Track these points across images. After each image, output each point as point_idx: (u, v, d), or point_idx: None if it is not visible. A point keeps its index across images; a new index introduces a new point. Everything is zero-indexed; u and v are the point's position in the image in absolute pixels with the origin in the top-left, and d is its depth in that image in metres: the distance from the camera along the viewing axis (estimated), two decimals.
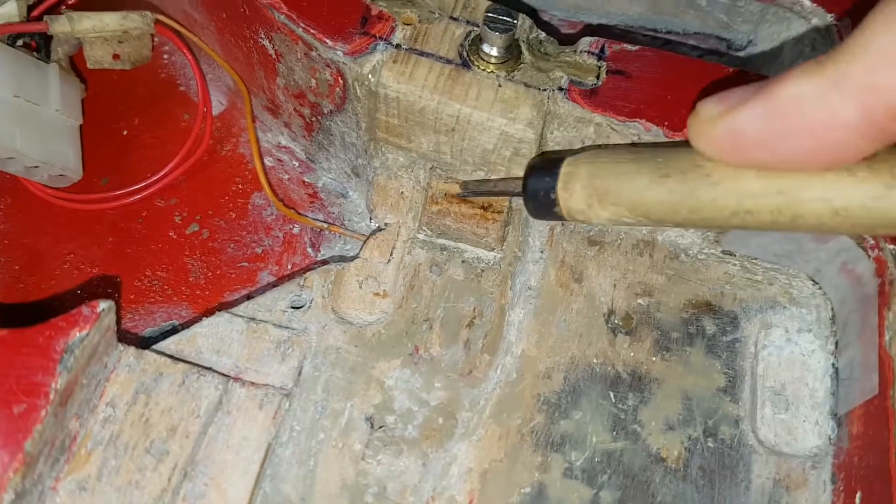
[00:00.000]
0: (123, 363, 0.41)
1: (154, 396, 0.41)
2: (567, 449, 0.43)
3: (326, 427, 0.42)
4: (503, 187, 0.44)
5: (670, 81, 0.45)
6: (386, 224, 0.49)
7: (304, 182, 0.55)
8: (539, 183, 0.37)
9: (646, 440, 0.43)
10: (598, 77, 0.45)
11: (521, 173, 0.40)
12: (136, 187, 0.53)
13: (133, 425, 0.40)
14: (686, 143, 0.30)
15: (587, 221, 0.36)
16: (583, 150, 0.38)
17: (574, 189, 0.35)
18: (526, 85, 0.45)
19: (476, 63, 0.45)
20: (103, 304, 0.38)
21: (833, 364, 0.46)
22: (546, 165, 0.37)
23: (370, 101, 0.46)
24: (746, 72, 0.46)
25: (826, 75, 0.24)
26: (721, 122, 0.27)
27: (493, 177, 0.47)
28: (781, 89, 0.26)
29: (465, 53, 0.45)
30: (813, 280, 0.48)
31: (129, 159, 0.55)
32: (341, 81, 0.45)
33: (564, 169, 0.36)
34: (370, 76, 0.44)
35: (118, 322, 0.43)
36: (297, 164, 0.55)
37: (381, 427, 0.42)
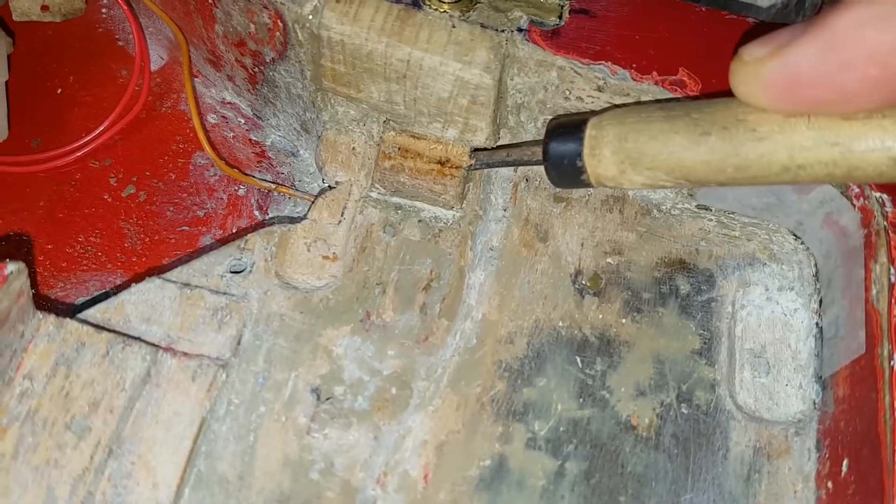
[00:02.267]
0: (42, 332, 0.38)
1: (75, 368, 0.37)
2: (530, 418, 0.40)
3: (268, 400, 0.39)
4: (520, 155, 0.41)
5: (638, 21, 0.42)
6: (337, 182, 0.45)
7: (250, 140, 0.51)
8: (562, 149, 0.34)
9: (614, 407, 0.40)
10: (560, 17, 0.42)
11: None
12: (69, 148, 0.49)
13: (52, 399, 0.37)
14: (718, 96, 0.28)
15: (619, 187, 0.33)
16: (604, 111, 0.35)
17: (603, 154, 0.32)
18: (482, 26, 0.41)
19: (428, 2, 0.41)
20: (11, 266, 0.35)
21: (817, 323, 0.43)
22: (567, 129, 0.34)
23: (313, 46, 0.42)
24: (720, 12, 0.43)
25: (880, 2, 0.23)
26: (772, 61, 0.25)
27: (449, 131, 0.43)
28: (838, 18, 0.23)
29: None
30: (794, 234, 0.44)
31: (63, 118, 0.51)
32: (281, 24, 0.42)
33: (590, 132, 0.33)
34: (311, 17, 0.40)
35: (38, 288, 0.39)
36: (243, 121, 0.52)
37: (328, 399, 0.39)
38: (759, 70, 0.26)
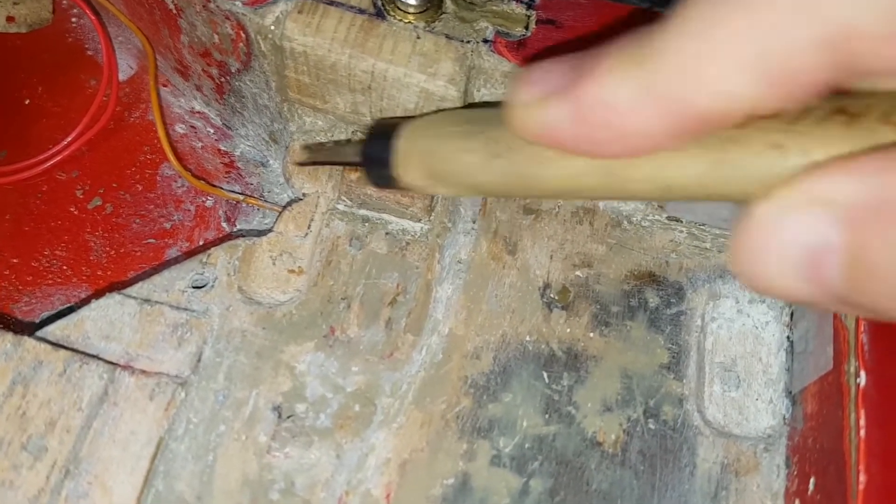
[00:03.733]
0: (0, 351, 0.37)
1: (32, 387, 0.37)
2: (495, 435, 0.39)
3: (228, 418, 0.38)
4: (342, 154, 0.39)
5: (605, 32, 0.41)
6: (304, 194, 0.45)
7: (219, 150, 0.51)
8: (375, 154, 0.33)
9: (581, 423, 0.40)
10: (526, 27, 0.41)
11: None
12: (35, 160, 0.48)
13: (9, 419, 0.36)
14: None
15: (428, 194, 0.33)
16: (424, 115, 0.35)
17: (410, 165, 0.32)
18: (447, 37, 0.40)
19: (392, 13, 0.40)
20: None
21: (788, 337, 0.42)
22: (383, 135, 0.34)
23: (276, 57, 0.41)
24: None
25: (632, 80, 0.22)
26: (533, 114, 0.25)
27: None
28: (588, 90, 0.23)
29: (379, 2, 0.41)
30: None
31: (31, 130, 0.51)
32: (243, 35, 0.41)
33: (400, 144, 0.33)
34: (273, 28, 0.40)
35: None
36: (212, 131, 0.51)
37: (289, 416, 0.39)
38: (524, 118, 0.25)
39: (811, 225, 0.20)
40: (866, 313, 0.21)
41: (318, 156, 0.41)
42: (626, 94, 0.22)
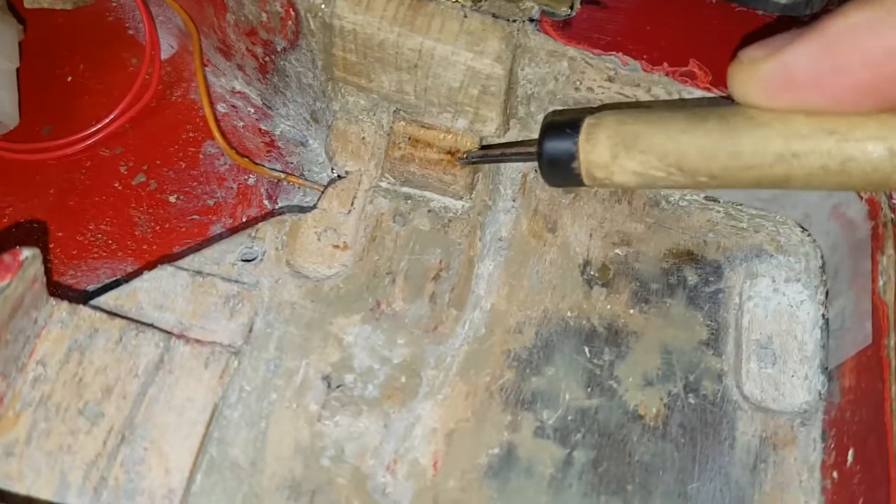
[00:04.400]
0: (56, 319, 0.38)
1: (88, 354, 0.37)
2: (538, 407, 0.40)
3: (279, 387, 0.39)
4: (516, 150, 0.40)
5: (649, 11, 0.42)
6: (346, 172, 0.45)
7: (260, 130, 0.51)
8: (558, 137, 0.33)
9: (622, 397, 0.40)
10: (571, 7, 0.42)
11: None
12: (80, 136, 0.49)
13: (65, 385, 0.37)
14: (725, 100, 0.28)
15: (609, 181, 0.32)
16: (603, 107, 0.35)
17: (598, 139, 0.32)
18: (494, 15, 0.41)
19: None
20: (27, 252, 0.35)
21: (823, 315, 0.43)
22: (567, 121, 0.34)
23: (325, 36, 0.42)
24: (730, 4, 0.43)
25: (883, 4, 0.23)
26: (768, 61, 0.26)
27: (459, 121, 0.44)
28: (834, 22, 0.24)
29: None
30: (801, 226, 0.45)
31: (74, 106, 0.51)
32: (293, 13, 0.42)
33: (589, 121, 0.32)
34: (323, 6, 0.40)
35: (50, 275, 0.39)
36: (252, 111, 0.52)
37: (338, 386, 0.39)
38: (755, 71, 0.26)
39: None
40: None
41: (489, 155, 0.41)
42: (876, 16, 0.23)
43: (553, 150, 0.34)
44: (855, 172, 0.26)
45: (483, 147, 0.44)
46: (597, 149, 0.32)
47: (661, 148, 0.29)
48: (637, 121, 0.31)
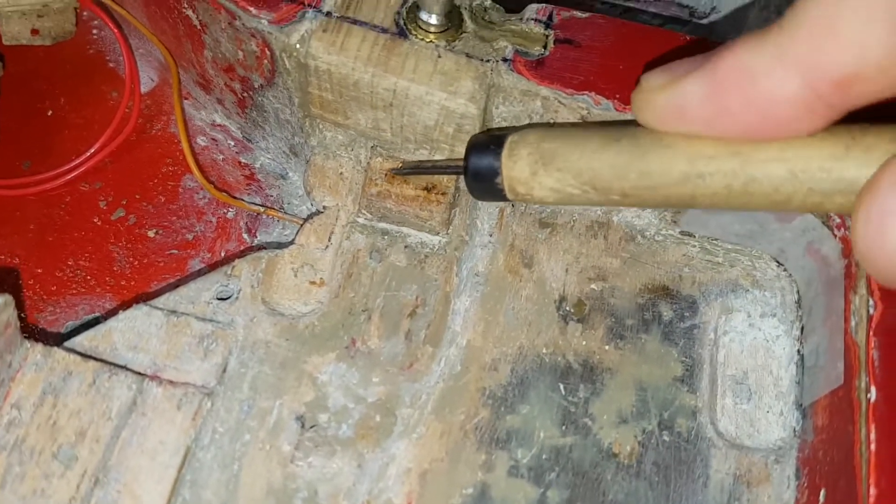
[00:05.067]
0: (30, 362, 0.38)
1: (62, 397, 0.38)
2: (513, 446, 0.40)
3: (253, 428, 0.39)
4: (444, 163, 0.42)
5: (622, 51, 0.42)
6: (324, 207, 0.46)
7: (240, 163, 0.52)
8: (483, 152, 0.34)
9: (597, 434, 0.40)
10: (545, 46, 0.42)
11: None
12: (60, 171, 0.49)
13: (39, 429, 0.37)
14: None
15: (529, 196, 0.33)
16: (530, 126, 0.36)
17: (520, 155, 0.33)
18: (468, 56, 0.41)
19: (414, 32, 0.41)
20: None
21: (799, 350, 0.43)
22: (491, 138, 0.35)
23: (300, 75, 0.42)
24: (705, 40, 0.43)
25: (769, 48, 0.23)
26: (663, 94, 0.26)
27: (435, 157, 0.44)
28: (724, 62, 0.24)
29: (401, 22, 0.42)
30: (777, 261, 0.45)
31: (54, 141, 0.51)
32: (268, 53, 0.42)
33: (512, 138, 0.34)
34: (298, 46, 0.41)
35: (28, 315, 0.40)
36: (232, 144, 0.52)
37: (312, 426, 0.39)
38: (650, 100, 0.26)
39: None
40: None
41: (420, 168, 0.42)
42: (763, 59, 0.23)
43: (478, 166, 0.35)
44: (757, 193, 0.26)
45: (412, 161, 0.44)
46: (518, 165, 0.33)
47: (576, 166, 0.30)
48: (556, 139, 0.32)
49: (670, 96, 0.26)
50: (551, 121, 0.42)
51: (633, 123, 0.30)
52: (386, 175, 0.44)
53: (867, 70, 0.22)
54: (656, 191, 0.28)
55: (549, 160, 0.31)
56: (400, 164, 0.44)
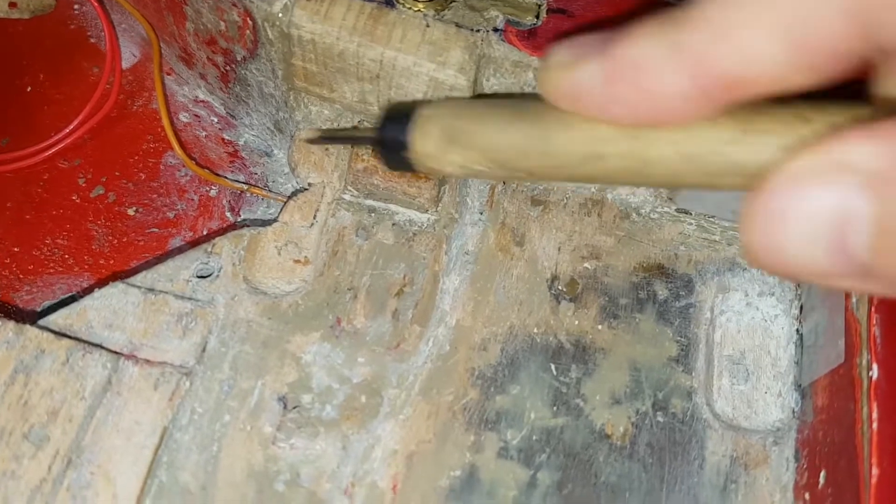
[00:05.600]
0: (2, 340, 0.37)
1: (34, 376, 0.36)
2: (503, 427, 0.39)
3: (233, 408, 0.38)
4: (357, 133, 0.41)
5: (615, 20, 0.41)
6: (309, 184, 0.44)
7: (223, 139, 0.50)
8: (394, 126, 0.34)
9: (589, 415, 0.39)
10: (537, 16, 0.41)
11: None
12: (38, 147, 0.48)
13: (10, 408, 0.36)
14: None
15: (440, 170, 0.33)
16: (444, 100, 0.35)
17: (429, 131, 0.32)
18: (457, 25, 0.40)
19: (401, 1, 0.40)
20: None
21: (797, 330, 0.42)
22: (403, 110, 0.34)
23: (284, 45, 0.41)
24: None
25: (664, 41, 0.23)
26: (561, 74, 0.26)
27: None
28: (620, 50, 0.24)
29: None
30: None
31: (33, 117, 0.50)
32: (250, 23, 0.41)
33: (423, 112, 0.33)
34: (281, 15, 0.39)
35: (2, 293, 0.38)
36: (215, 120, 0.50)
37: (295, 407, 0.38)
38: (550, 78, 0.26)
39: (836, 192, 0.19)
40: (890, 287, 0.20)
41: (332, 134, 0.41)
42: (656, 53, 0.23)
43: (388, 138, 0.34)
44: (654, 174, 0.26)
45: (328, 130, 0.43)
46: (426, 140, 0.32)
47: (481, 144, 0.30)
48: (463, 116, 0.31)
49: (567, 78, 0.25)
50: None
51: (534, 96, 0.30)
52: (372, 150, 0.43)
53: (757, 77, 0.22)
54: (559, 170, 0.29)
55: (455, 137, 0.31)
56: (317, 134, 0.43)
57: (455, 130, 0.31)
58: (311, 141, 0.43)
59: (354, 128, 0.44)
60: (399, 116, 0.34)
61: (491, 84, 0.41)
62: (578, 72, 0.25)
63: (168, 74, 0.50)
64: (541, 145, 0.28)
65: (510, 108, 0.30)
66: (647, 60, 0.23)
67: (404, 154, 0.33)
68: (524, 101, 0.30)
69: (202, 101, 0.51)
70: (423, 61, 0.39)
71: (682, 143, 0.25)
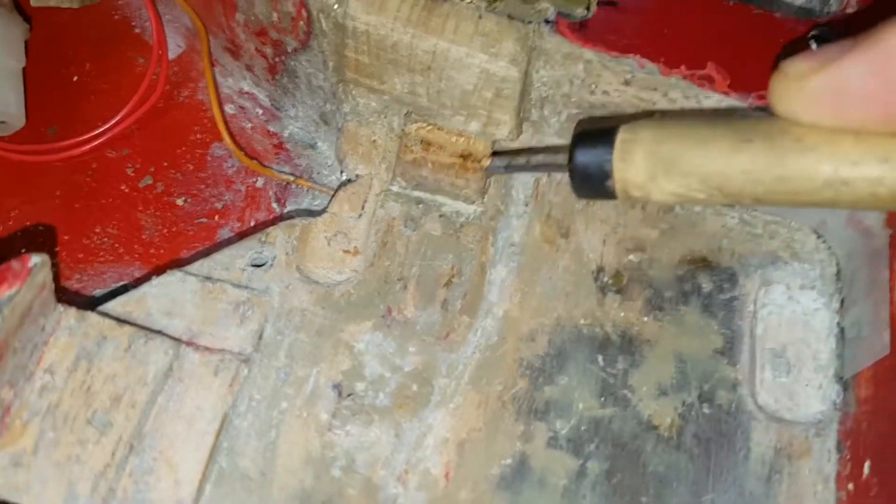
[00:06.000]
0: (63, 326, 0.37)
1: (97, 362, 0.37)
2: (551, 417, 0.39)
3: (290, 395, 0.38)
4: (543, 160, 0.39)
5: (667, 13, 0.41)
6: (357, 175, 0.45)
7: (268, 131, 0.51)
8: (590, 152, 0.32)
9: (636, 406, 0.40)
10: (588, 8, 0.41)
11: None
12: (86, 137, 0.49)
13: (73, 394, 0.36)
14: (763, 113, 0.26)
15: (646, 199, 0.31)
16: (636, 117, 0.34)
17: (634, 159, 0.31)
18: (509, 17, 0.40)
19: None
20: (35, 258, 0.34)
21: (838, 323, 0.42)
22: (597, 133, 0.32)
23: (337, 36, 0.41)
24: (753, 6, 0.42)
25: None
26: (818, 76, 0.24)
27: (472, 124, 0.43)
28: (893, 34, 0.22)
29: None
30: (817, 233, 0.44)
31: (80, 107, 0.51)
32: (305, 14, 0.41)
33: (622, 136, 0.31)
34: (336, 6, 0.40)
35: (57, 280, 0.39)
36: (260, 112, 0.51)
37: (349, 395, 0.39)
38: (803, 85, 0.25)
39: None
40: None
41: (514, 163, 0.40)
42: None
43: (586, 166, 0.33)
44: None
45: (504, 153, 0.43)
46: (633, 168, 0.31)
47: (702, 170, 0.29)
48: (676, 139, 0.30)
49: (829, 76, 0.24)
50: (592, 85, 0.41)
51: (758, 115, 0.28)
52: (421, 142, 0.43)
53: None
54: (794, 195, 0.27)
55: (670, 164, 0.29)
56: (489, 161, 0.42)
57: (668, 156, 0.29)
58: (492, 171, 0.42)
59: (531, 150, 0.42)
60: (592, 141, 0.32)
61: (541, 76, 0.42)
62: (841, 68, 0.24)
63: (213, 66, 0.51)
64: (776, 170, 0.26)
65: (724, 128, 0.28)
66: None
67: (606, 183, 0.32)
68: (745, 121, 0.28)
69: (247, 93, 0.51)
70: (475, 52, 0.40)
71: None
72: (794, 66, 0.25)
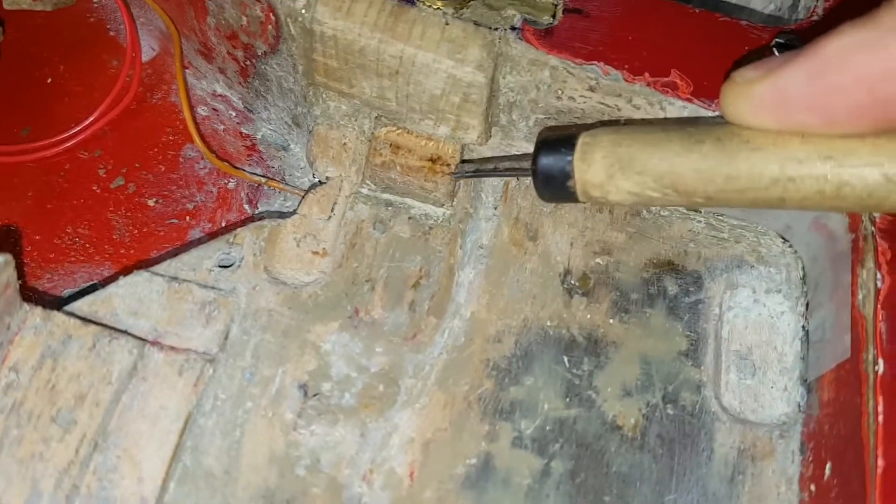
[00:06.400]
0: (29, 325, 0.38)
1: (62, 361, 0.37)
2: (517, 417, 0.40)
3: (255, 395, 0.39)
4: (510, 164, 0.40)
5: (631, 21, 0.42)
6: (327, 178, 0.45)
7: (241, 133, 0.51)
8: (552, 156, 0.34)
9: (601, 407, 0.40)
10: (553, 16, 0.42)
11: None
12: (58, 138, 0.49)
13: (38, 392, 0.36)
14: (711, 99, 0.28)
15: (604, 199, 0.33)
16: (597, 124, 0.35)
17: (593, 159, 0.32)
18: (475, 23, 0.41)
19: None
20: None
21: (803, 326, 0.43)
22: (561, 138, 0.34)
23: (305, 41, 0.42)
24: (719, 13, 0.43)
25: (881, 24, 0.23)
26: (762, 81, 0.26)
27: (441, 128, 0.43)
28: (830, 42, 0.24)
29: None
30: (783, 237, 0.45)
31: (53, 108, 0.51)
32: (273, 18, 0.41)
33: (583, 139, 0.33)
34: (304, 11, 0.40)
35: (27, 280, 0.39)
36: (233, 114, 0.51)
37: (315, 395, 0.39)
38: (748, 90, 0.26)
39: None
40: None
41: (482, 168, 0.41)
42: (868, 38, 0.23)
43: (548, 168, 0.34)
44: (850, 196, 0.26)
45: (471, 160, 0.44)
46: (592, 168, 0.32)
47: (656, 170, 0.30)
48: (633, 141, 0.31)
49: (771, 82, 0.25)
50: (559, 91, 0.42)
51: (707, 121, 0.29)
52: (390, 146, 0.44)
53: None
54: (743, 194, 0.28)
55: (626, 163, 0.31)
56: (457, 167, 0.43)
57: (625, 156, 0.30)
58: (459, 175, 0.43)
59: (499, 157, 0.44)
60: (555, 146, 0.33)
61: (507, 81, 0.42)
62: (782, 73, 0.25)
63: (186, 68, 0.51)
64: (726, 169, 0.27)
65: (679, 130, 0.29)
66: (867, 42, 0.23)
67: (567, 184, 0.33)
68: (696, 125, 0.29)
69: (220, 96, 0.51)
70: (442, 58, 0.40)
71: (884, 163, 0.24)
72: (742, 74, 0.27)
